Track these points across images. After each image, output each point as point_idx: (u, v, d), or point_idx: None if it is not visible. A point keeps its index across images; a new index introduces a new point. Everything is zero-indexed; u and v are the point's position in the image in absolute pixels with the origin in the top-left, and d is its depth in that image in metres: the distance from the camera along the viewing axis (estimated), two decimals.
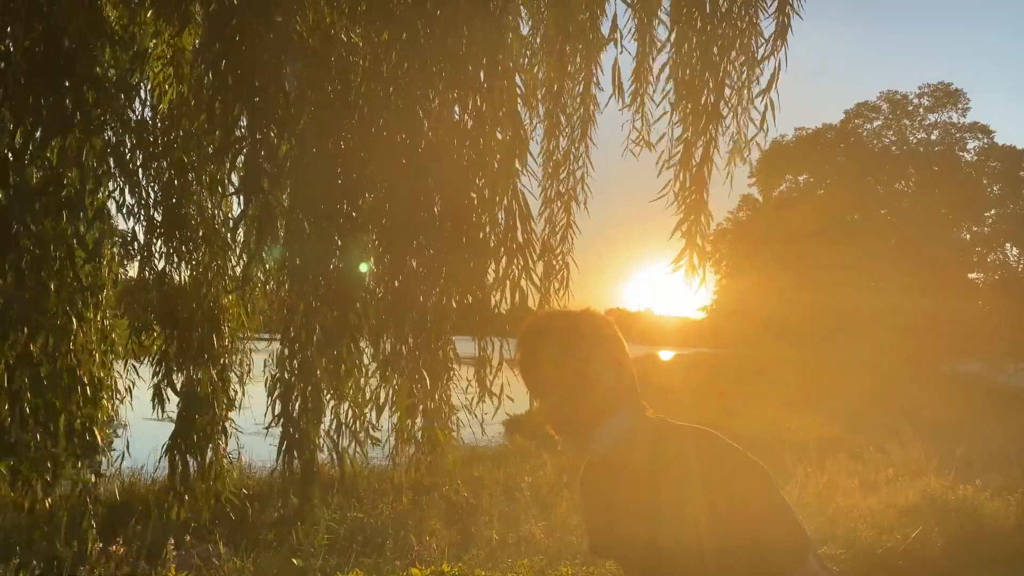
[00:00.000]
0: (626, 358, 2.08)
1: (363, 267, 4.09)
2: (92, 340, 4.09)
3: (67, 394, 2.99)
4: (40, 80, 2.74)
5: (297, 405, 3.66)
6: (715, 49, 4.51)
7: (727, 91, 4.61)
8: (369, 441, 4.42)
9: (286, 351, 3.88)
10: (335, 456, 4.07)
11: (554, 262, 5.22)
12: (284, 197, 3.89)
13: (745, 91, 4.71)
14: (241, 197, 3.45)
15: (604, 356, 2.02)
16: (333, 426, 4.30)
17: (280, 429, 3.74)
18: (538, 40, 5.39)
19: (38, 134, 2.75)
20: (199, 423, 3.83)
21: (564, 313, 2.17)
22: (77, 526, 3.68)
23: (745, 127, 4.82)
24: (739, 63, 4.64)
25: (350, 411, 4.38)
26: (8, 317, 2.72)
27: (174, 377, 4.14)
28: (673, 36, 4.78)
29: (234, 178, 3.77)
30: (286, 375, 3.69)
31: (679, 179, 4.75)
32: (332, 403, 4.26)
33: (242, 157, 3.51)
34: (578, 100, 5.53)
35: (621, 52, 5.35)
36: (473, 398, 4.40)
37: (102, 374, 4.22)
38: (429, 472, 4.65)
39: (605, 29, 5.26)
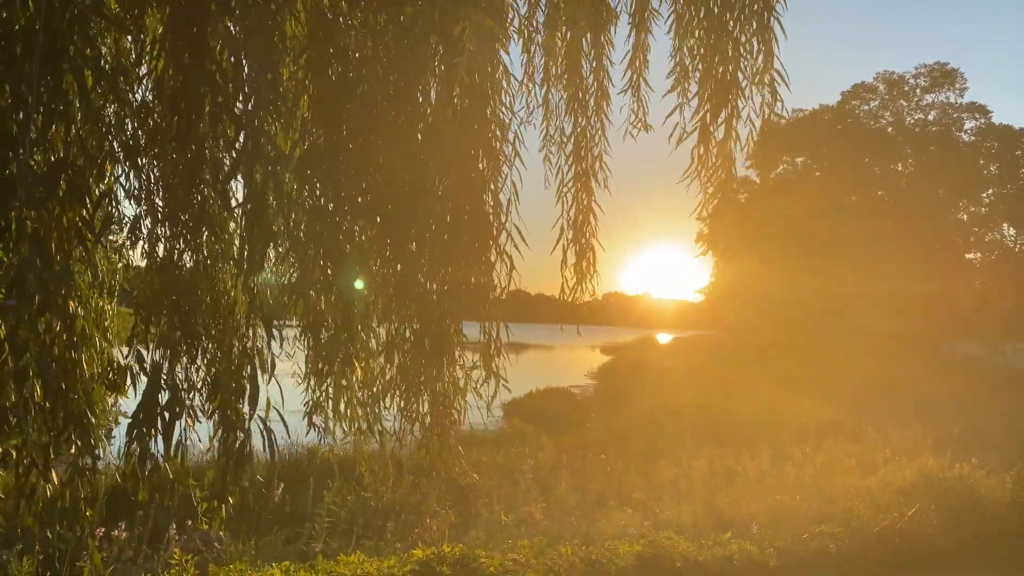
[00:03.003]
0: None
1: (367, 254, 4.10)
2: (104, 324, 4.11)
3: (69, 377, 2.99)
4: (38, 62, 2.73)
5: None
6: (728, 16, 4.31)
7: (742, 62, 4.36)
8: (375, 423, 4.46)
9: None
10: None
11: (583, 243, 5.17)
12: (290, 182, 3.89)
13: (761, 62, 4.40)
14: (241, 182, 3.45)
15: None
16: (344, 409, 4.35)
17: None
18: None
19: (39, 117, 2.75)
20: (166, 404, 3.79)
21: None
22: (79, 512, 3.66)
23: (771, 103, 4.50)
24: (749, 33, 4.36)
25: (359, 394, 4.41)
26: (17, 297, 2.72)
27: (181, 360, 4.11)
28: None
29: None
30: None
31: (699, 156, 4.56)
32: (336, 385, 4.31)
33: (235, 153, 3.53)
34: (591, 76, 5.35)
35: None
36: (479, 380, 4.40)
37: (116, 360, 4.21)
38: (438, 454, 4.66)
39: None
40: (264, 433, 3.85)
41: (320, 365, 4.16)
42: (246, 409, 3.85)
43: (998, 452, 12.35)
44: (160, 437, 3.77)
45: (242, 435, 3.88)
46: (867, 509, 8.51)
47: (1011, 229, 41.85)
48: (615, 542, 6.99)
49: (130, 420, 3.74)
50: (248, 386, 3.69)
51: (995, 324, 36.69)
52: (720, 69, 4.38)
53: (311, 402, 4.50)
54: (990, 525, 8.99)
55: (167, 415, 3.77)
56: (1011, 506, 9.45)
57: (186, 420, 4.01)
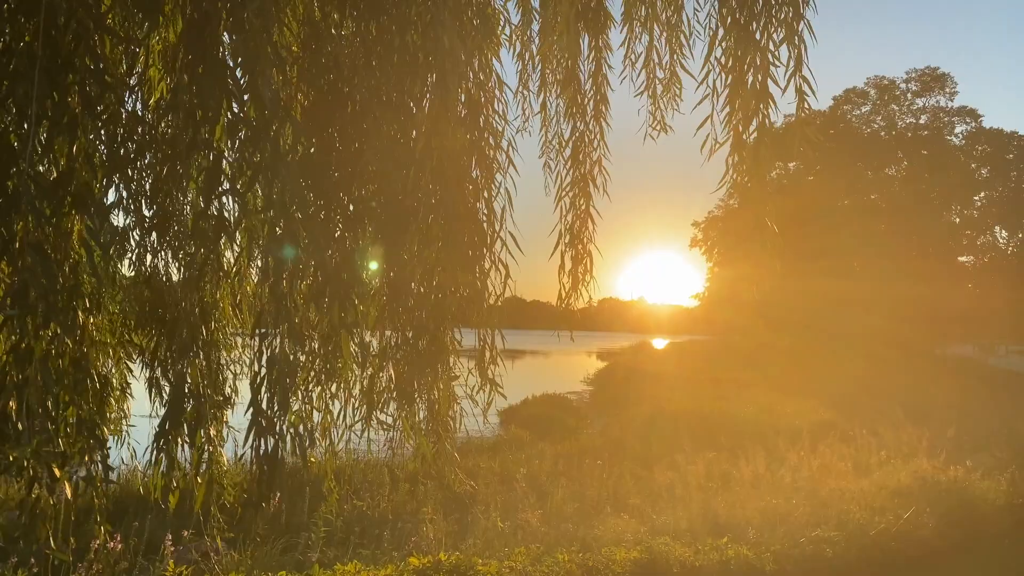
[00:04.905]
0: None
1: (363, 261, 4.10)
2: (103, 335, 4.11)
3: (75, 388, 2.99)
4: (42, 76, 2.74)
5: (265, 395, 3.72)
6: (755, 26, 4.26)
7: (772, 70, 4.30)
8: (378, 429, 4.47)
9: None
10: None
11: (579, 248, 5.21)
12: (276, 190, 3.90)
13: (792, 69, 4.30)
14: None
15: None
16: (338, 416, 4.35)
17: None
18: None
19: (43, 130, 2.77)
20: (189, 412, 3.81)
21: None
22: (83, 523, 3.66)
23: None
24: (777, 41, 4.28)
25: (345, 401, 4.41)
26: (19, 307, 2.72)
27: (167, 370, 4.12)
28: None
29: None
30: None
31: (734, 164, 4.60)
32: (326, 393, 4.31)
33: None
34: (589, 81, 5.41)
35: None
36: (474, 387, 4.41)
37: (114, 370, 4.22)
38: (434, 462, 4.67)
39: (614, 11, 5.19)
40: (296, 439, 3.85)
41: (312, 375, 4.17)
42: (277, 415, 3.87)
43: (992, 454, 12.39)
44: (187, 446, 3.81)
45: (274, 440, 3.89)
46: (862, 512, 8.52)
47: (1003, 232, 42.14)
48: (612, 548, 6.99)
49: (156, 429, 3.77)
50: (279, 391, 3.69)
51: (988, 326, 36.87)
52: (750, 79, 4.35)
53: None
54: (985, 527, 9.02)
55: (192, 423, 3.80)
56: (1006, 508, 9.48)
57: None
